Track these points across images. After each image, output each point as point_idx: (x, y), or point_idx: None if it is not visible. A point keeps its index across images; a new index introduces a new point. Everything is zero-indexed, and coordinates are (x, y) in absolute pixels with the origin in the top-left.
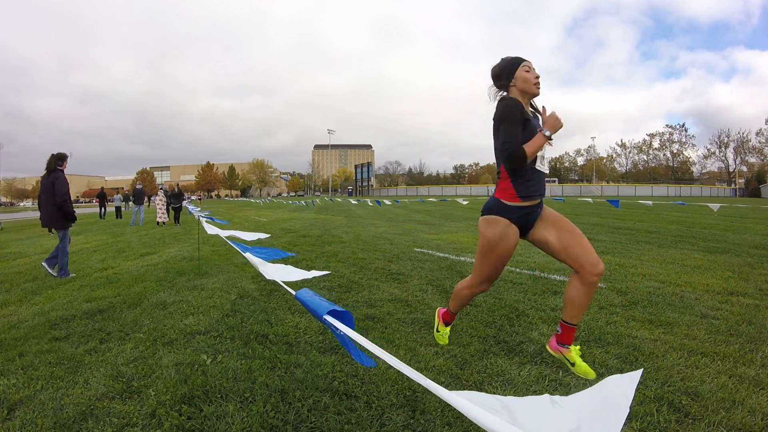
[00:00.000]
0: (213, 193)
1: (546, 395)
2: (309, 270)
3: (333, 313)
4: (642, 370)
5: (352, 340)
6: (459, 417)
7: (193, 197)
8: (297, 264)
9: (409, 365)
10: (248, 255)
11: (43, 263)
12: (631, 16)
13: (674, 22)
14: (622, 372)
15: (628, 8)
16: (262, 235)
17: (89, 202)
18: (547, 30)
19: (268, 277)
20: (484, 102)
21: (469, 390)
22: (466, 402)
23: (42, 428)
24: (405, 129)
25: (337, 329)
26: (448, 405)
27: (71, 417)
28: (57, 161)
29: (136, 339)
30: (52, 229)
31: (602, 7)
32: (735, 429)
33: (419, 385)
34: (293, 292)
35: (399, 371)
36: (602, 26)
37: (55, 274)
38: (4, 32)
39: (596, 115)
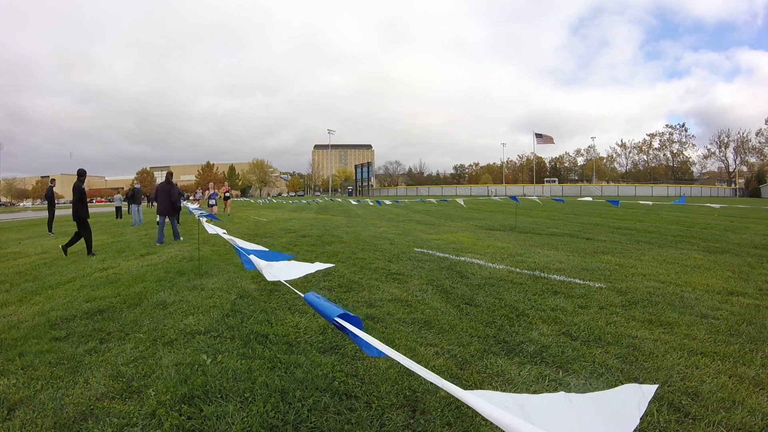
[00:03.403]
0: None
1: (562, 393)
2: (312, 262)
3: (343, 317)
4: (657, 386)
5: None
6: (459, 417)
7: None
8: None
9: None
10: (252, 257)
11: (157, 242)
12: (636, 16)
13: (680, 22)
14: (622, 374)
15: (635, 8)
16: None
17: (89, 202)
18: (552, 29)
19: (270, 279)
20: (487, 101)
21: (471, 390)
22: (479, 400)
23: (42, 428)
24: (406, 129)
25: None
26: (448, 405)
27: (71, 417)
28: (170, 177)
29: (136, 339)
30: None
31: (609, 7)
32: (735, 429)
33: (419, 385)
34: (302, 295)
35: (399, 371)
36: (608, 26)
37: (161, 242)
38: (5, 30)
39: (598, 115)
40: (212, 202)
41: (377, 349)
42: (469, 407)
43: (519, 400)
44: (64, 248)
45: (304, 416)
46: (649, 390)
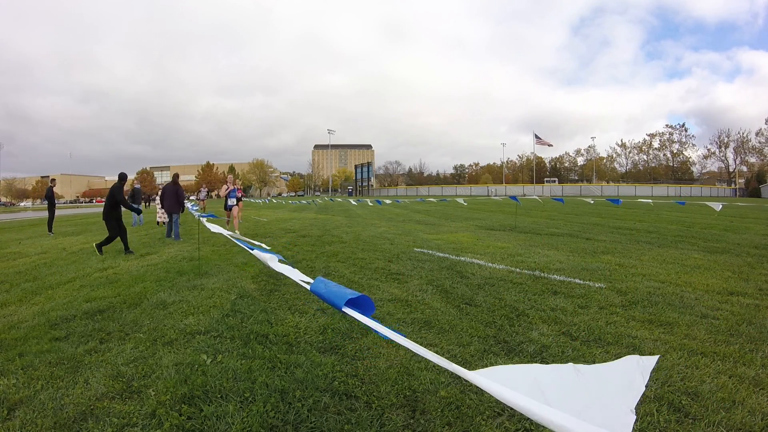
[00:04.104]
0: (213, 193)
1: (570, 364)
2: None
3: (351, 302)
4: (659, 356)
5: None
6: (459, 417)
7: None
8: (297, 265)
9: (410, 364)
10: (256, 252)
11: (166, 237)
12: (638, 16)
13: (681, 22)
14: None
15: (636, 7)
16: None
17: (89, 202)
18: (554, 29)
19: (277, 269)
20: (487, 101)
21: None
22: (488, 381)
23: (42, 428)
24: (406, 129)
25: (360, 305)
26: (448, 405)
27: (71, 417)
28: (177, 179)
29: (136, 339)
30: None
31: (610, 7)
32: (735, 429)
33: (419, 384)
34: (308, 287)
35: (399, 371)
36: (609, 26)
37: (170, 237)
38: (5, 30)
39: (599, 115)
40: (231, 203)
41: (386, 335)
42: (469, 407)
43: (531, 373)
44: (128, 251)
45: (304, 416)
46: (651, 360)
